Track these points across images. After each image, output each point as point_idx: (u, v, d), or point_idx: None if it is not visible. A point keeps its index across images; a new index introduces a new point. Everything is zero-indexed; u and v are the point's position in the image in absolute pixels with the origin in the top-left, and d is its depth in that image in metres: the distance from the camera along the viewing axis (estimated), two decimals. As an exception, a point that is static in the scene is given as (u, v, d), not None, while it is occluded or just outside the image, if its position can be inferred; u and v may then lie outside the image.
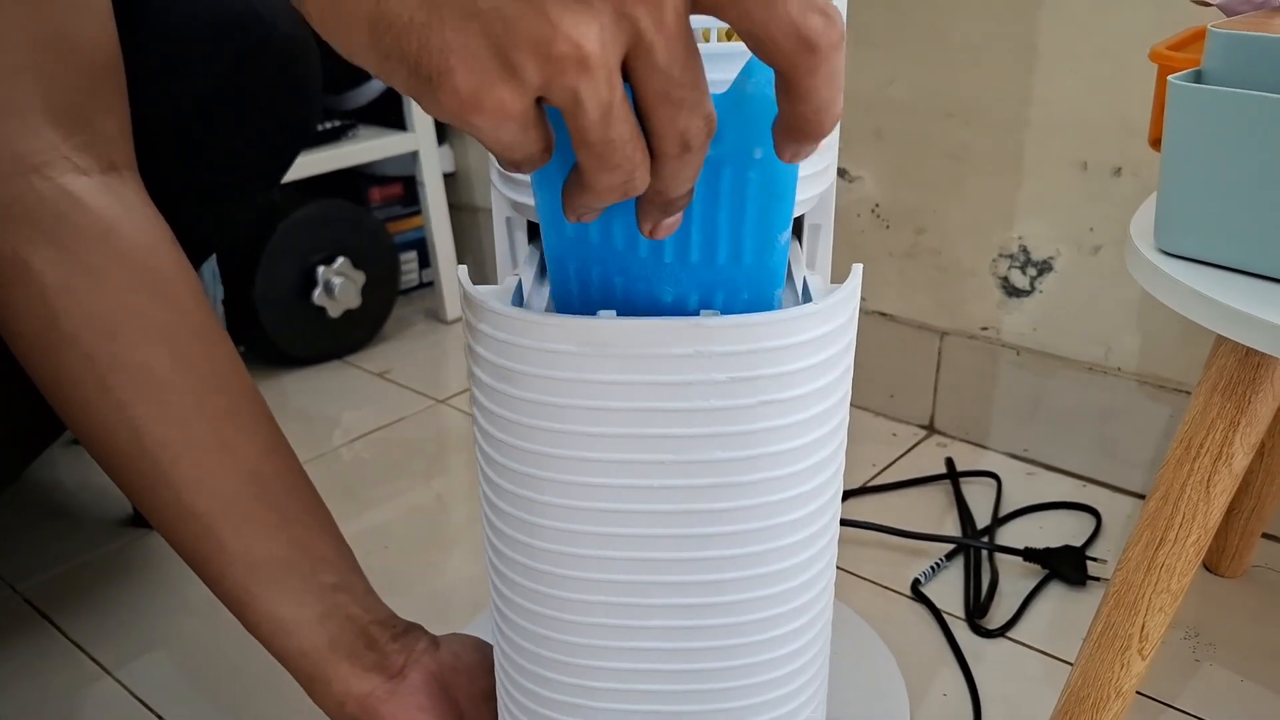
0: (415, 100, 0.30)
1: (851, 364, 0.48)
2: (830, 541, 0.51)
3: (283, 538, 0.58)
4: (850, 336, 0.47)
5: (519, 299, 0.50)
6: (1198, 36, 0.65)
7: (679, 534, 0.45)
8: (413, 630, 0.63)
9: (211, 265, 1.01)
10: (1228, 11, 0.64)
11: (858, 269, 0.47)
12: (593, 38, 0.28)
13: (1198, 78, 0.55)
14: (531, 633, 0.49)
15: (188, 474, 0.56)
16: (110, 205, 0.55)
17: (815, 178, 0.57)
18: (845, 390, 0.48)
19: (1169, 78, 0.54)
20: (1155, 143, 0.62)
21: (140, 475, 0.57)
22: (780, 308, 0.45)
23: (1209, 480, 0.56)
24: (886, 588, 0.92)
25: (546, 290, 0.52)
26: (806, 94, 0.31)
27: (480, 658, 0.63)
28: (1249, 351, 0.54)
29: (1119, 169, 0.97)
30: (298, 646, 0.59)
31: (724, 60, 0.48)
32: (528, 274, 0.53)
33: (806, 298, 0.49)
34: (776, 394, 0.43)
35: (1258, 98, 0.51)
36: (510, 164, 0.33)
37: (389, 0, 0.28)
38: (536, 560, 0.47)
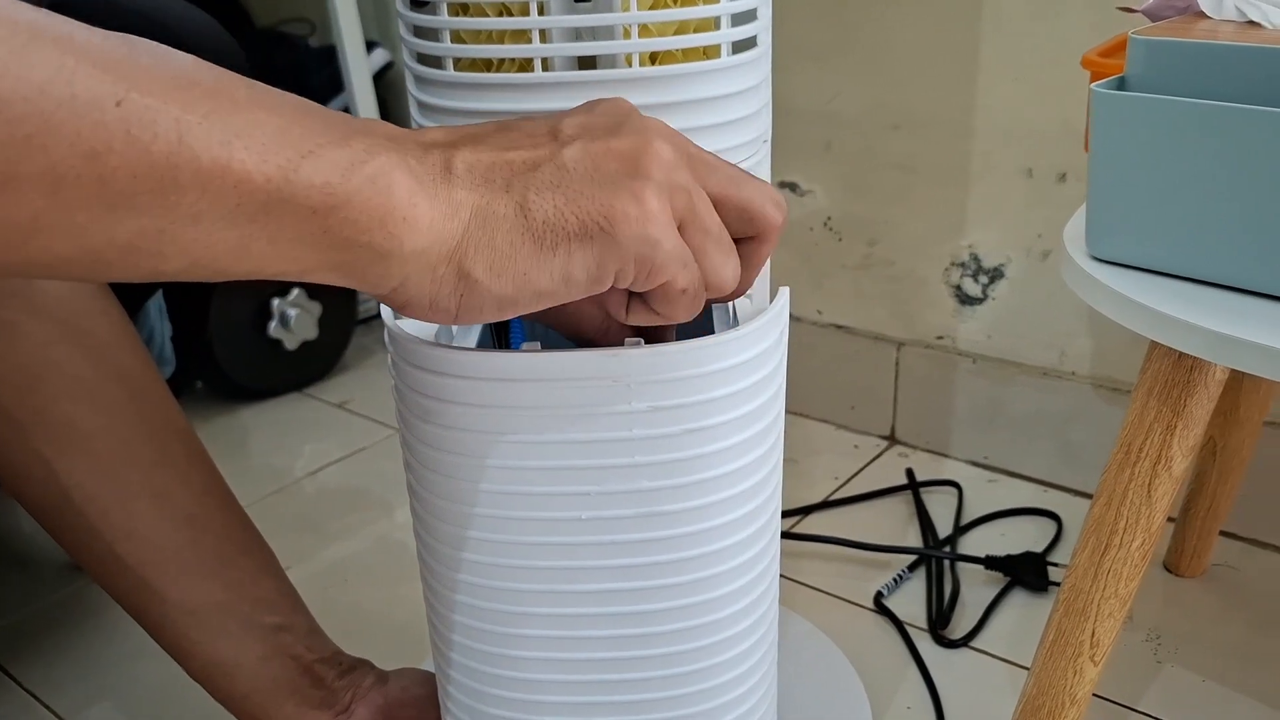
0: (595, 269, 0.35)
1: (783, 386, 0.48)
2: (771, 563, 0.50)
3: (220, 582, 0.57)
4: (779, 359, 0.46)
5: (447, 331, 0.49)
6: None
7: (610, 565, 0.44)
8: (360, 666, 0.62)
9: (158, 301, 1.00)
10: (1153, 17, 0.64)
11: (784, 292, 0.47)
12: (669, 150, 0.36)
13: (1121, 84, 0.55)
14: (468, 667, 0.49)
15: (119, 525, 0.55)
16: None
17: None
18: (777, 412, 0.47)
19: (1091, 85, 0.54)
20: (1090, 149, 0.62)
21: (71, 529, 0.56)
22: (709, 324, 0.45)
23: (1150, 484, 0.56)
24: (849, 601, 0.92)
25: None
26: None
27: (428, 691, 0.62)
28: (1182, 355, 0.54)
29: (1064, 174, 0.97)
30: (240, 690, 0.58)
31: (656, 84, 0.47)
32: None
33: (737, 321, 0.49)
34: (701, 421, 0.42)
35: (1179, 103, 0.51)
36: (683, 288, 0.37)
37: (531, 207, 0.34)
38: (469, 595, 0.46)
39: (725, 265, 0.37)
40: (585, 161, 0.34)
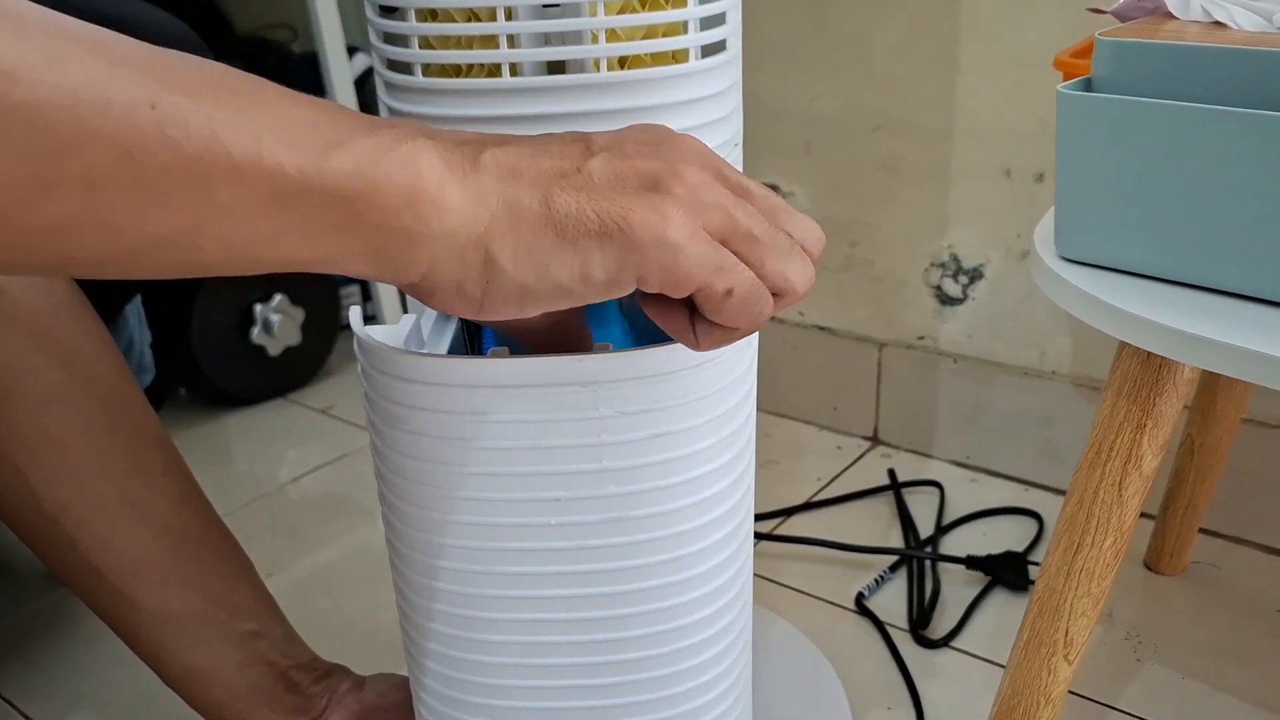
0: (614, 270, 0.35)
1: (753, 389, 0.48)
2: (743, 566, 0.51)
3: (196, 590, 0.57)
4: (748, 363, 0.47)
5: (417, 338, 0.49)
6: (1098, 44, 0.66)
7: (581, 570, 0.44)
8: (336, 672, 0.62)
9: (136, 308, 0.99)
10: (1121, 17, 0.64)
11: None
12: (697, 174, 0.36)
13: (1089, 85, 0.55)
14: (440, 673, 0.49)
15: (94, 535, 0.55)
16: None
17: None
18: (746, 415, 0.47)
19: (1057, 87, 0.54)
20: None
21: (46, 539, 0.56)
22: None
23: (1120, 483, 0.57)
24: (830, 603, 0.92)
25: (450, 330, 0.52)
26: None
27: (404, 696, 0.62)
28: (1150, 355, 0.54)
29: (1041, 175, 0.98)
30: (216, 697, 0.58)
31: (625, 88, 0.47)
32: (430, 313, 0.52)
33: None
34: (669, 426, 0.42)
35: (1144, 104, 0.51)
36: (727, 289, 0.36)
37: (554, 202, 0.35)
38: (440, 601, 0.46)
39: (789, 269, 0.37)
40: (608, 172, 0.36)
